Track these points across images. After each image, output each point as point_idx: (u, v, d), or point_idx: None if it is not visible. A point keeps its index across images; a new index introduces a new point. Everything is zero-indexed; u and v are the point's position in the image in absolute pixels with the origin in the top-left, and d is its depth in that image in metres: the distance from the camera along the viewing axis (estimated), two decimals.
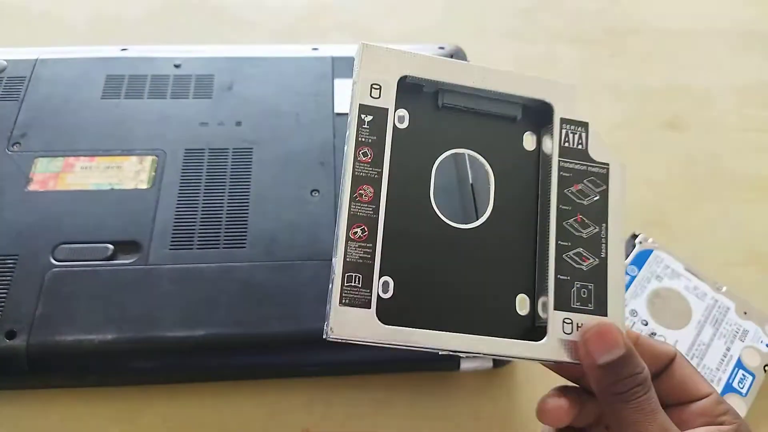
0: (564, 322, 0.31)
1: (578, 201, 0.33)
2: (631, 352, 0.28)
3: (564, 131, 0.33)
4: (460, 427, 0.40)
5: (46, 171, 0.45)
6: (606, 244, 0.32)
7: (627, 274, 0.47)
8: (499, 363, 0.41)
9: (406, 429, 0.40)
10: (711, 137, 0.56)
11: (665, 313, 0.44)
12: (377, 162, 0.31)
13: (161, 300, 0.40)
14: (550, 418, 0.30)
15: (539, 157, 0.34)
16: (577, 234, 0.32)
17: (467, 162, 0.48)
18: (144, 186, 0.45)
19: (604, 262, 0.32)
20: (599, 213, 0.33)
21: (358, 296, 0.29)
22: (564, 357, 0.30)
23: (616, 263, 0.32)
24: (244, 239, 0.42)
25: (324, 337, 0.28)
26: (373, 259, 0.30)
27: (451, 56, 0.55)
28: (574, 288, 0.31)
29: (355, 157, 0.31)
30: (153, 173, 0.45)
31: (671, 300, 0.45)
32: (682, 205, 0.51)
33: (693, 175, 0.53)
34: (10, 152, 0.46)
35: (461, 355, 0.30)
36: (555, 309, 0.31)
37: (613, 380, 0.28)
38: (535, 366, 0.42)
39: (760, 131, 0.57)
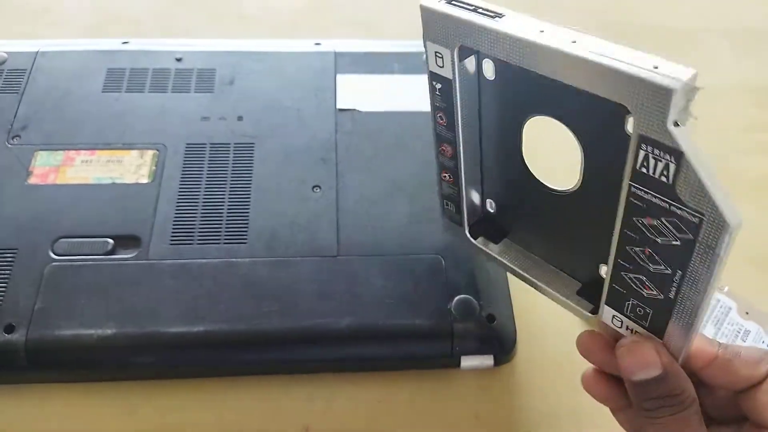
0: (614, 317, 0.30)
1: (649, 236, 0.26)
2: (669, 374, 0.26)
3: (643, 153, 0.24)
4: (460, 426, 0.40)
5: (47, 164, 0.45)
6: (677, 290, 0.26)
7: None
8: (500, 361, 0.41)
9: (406, 427, 0.40)
10: (715, 137, 0.56)
11: None
12: (451, 126, 0.33)
13: (161, 295, 0.39)
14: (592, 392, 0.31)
15: None
16: (641, 263, 0.27)
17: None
18: (145, 180, 0.44)
19: (670, 302, 0.27)
20: (676, 259, 0.25)
21: (453, 216, 0.37)
22: (610, 334, 0.31)
23: (692, 313, 0.26)
24: (245, 235, 0.42)
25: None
26: (459, 197, 0.36)
27: None
28: (629, 302, 0.29)
29: (435, 120, 0.33)
30: (154, 167, 0.45)
31: None
32: None
33: None
34: (10, 145, 0.46)
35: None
36: (606, 304, 0.30)
37: (644, 398, 0.27)
38: (536, 365, 0.42)
39: (765, 132, 0.56)
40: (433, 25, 0.29)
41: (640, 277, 0.27)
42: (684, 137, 0.22)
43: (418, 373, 0.41)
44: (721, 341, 0.43)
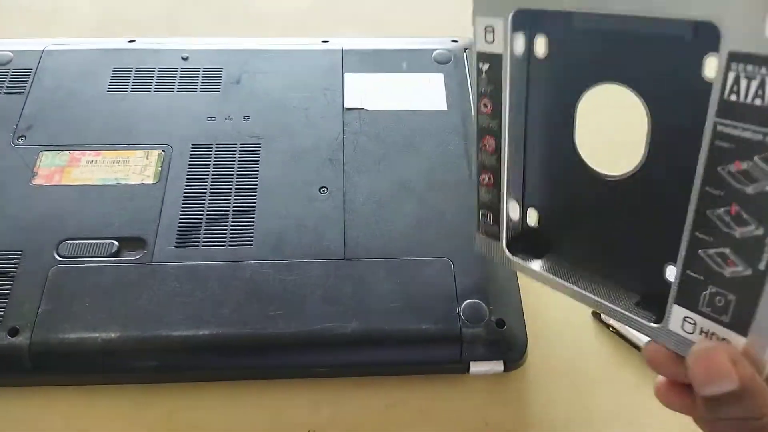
0: (685, 320, 0.26)
1: (737, 186, 0.23)
2: (747, 392, 0.22)
3: (733, 75, 0.21)
4: None
5: (52, 165, 0.45)
6: None
7: None
8: (511, 367, 0.40)
9: None
10: None
11: None
12: (496, 113, 0.30)
13: (166, 298, 0.39)
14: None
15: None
16: (725, 230, 0.24)
17: None
18: (150, 181, 0.44)
19: (761, 276, 0.23)
20: None
21: (490, 230, 0.34)
22: (679, 350, 0.27)
23: None
24: (251, 237, 0.42)
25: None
26: (498, 203, 0.33)
27: (465, 51, 0.53)
28: (707, 291, 0.25)
29: (478, 109, 0.31)
30: (159, 168, 0.45)
31: None
32: None
33: None
34: (15, 145, 0.46)
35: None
36: (676, 303, 0.26)
37: (715, 417, 0.23)
38: (547, 371, 0.41)
39: None
40: None
41: (723, 250, 0.24)
42: None
43: (427, 379, 0.41)
44: None
